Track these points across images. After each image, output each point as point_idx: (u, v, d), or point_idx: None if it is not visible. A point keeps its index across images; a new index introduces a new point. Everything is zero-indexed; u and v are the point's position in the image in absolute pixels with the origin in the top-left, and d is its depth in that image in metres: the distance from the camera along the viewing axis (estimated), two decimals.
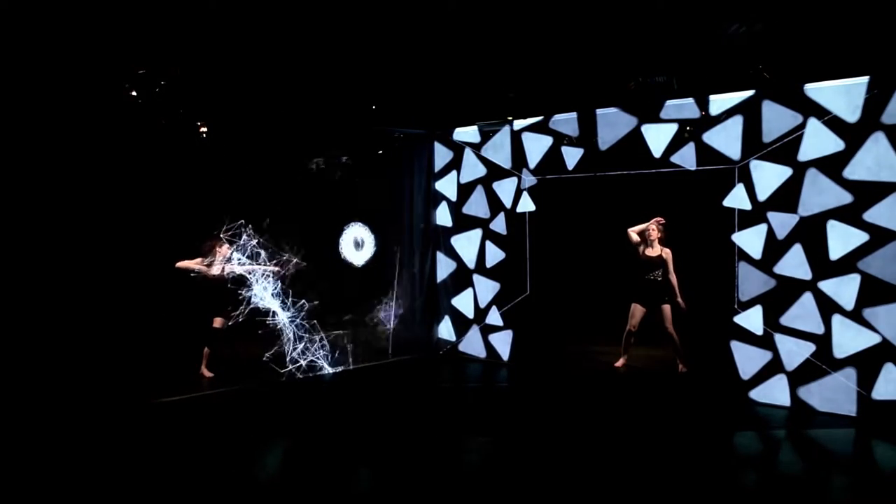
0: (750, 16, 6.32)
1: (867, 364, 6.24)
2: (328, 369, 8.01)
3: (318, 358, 7.91)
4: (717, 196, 7.10)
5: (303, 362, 7.84)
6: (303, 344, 7.77)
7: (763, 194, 6.81)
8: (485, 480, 5.08)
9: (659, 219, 7.77)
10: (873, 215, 6.19)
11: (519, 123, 8.56)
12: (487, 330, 9.03)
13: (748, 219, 6.93)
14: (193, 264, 7.38)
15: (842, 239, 6.33)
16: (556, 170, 8.35)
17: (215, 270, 7.44)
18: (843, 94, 6.32)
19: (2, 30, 6.06)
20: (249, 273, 7.49)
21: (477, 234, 9.00)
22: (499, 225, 8.82)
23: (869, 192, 6.20)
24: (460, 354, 9.23)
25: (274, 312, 7.54)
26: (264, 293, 7.53)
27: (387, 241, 9.18)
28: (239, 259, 7.40)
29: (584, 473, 5.14)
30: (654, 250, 7.76)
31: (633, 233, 7.85)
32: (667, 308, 7.68)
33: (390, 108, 8.60)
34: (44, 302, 6.64)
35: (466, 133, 9.07)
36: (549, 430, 6.16)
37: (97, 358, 7.16)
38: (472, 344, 9.17)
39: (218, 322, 7.59)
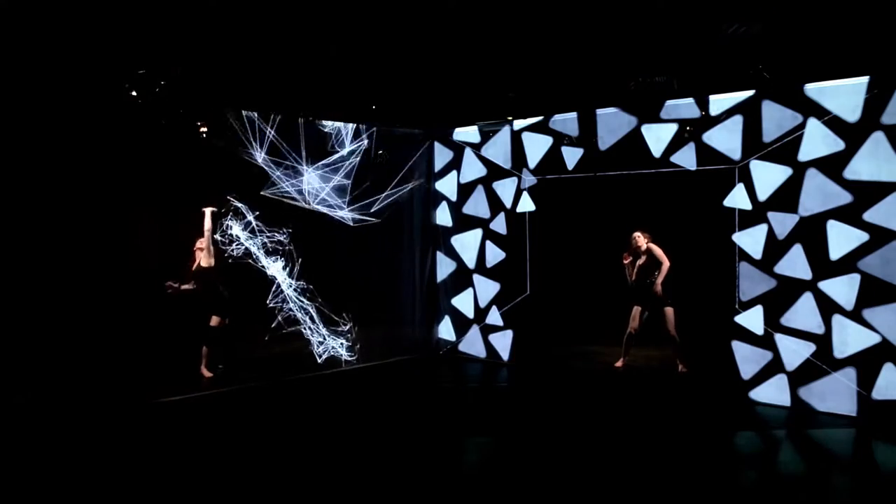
0: (750, 16, 6.31)
1: (867, 364, 6.25)
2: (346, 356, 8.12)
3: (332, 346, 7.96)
4: (717, 196, 7.10)
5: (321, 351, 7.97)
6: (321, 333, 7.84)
7: (763, 194, 6.81)
8: (485, 480, 5.08)
9: (634, 239, 7.84)
10: (873, 215, 6.19)
11: (519, 123, 8.56)
12: (487, 330, 9.03)
13: (748, 219, 6.93)
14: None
15: (842, 239, 6.33)
16: (556, 170, 8.35)
17: (204, 263, 7.49)
18: (843, 94, 6.32)
19: (2, 30, 6.06)
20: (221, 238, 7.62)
21: (477, 234, 9.01)
22: (499, 225, 8.82)
23: (869, 192, 6.20)
24: (460, 354, 9.23)
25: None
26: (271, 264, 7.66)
27: (387, 241, 9.17)
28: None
29: (584, 473, 5.14)
30: (641, 257, 7.78)
31: (631, 271, 7.92)
32: (669, 311, 7.66)
33: (390, 108, 8.59)
34: (44, 302, 6.64)
35: (466, 133, 9.07)
36: (549, 430, 6.16)
37: (98, 358, 7.14)
38: (472, 344, 9.17)
39: (214, 321, 7.59)
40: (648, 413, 6.69)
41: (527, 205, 8.62)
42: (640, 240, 7.80)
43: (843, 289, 6.36)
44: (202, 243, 7.55)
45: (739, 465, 5.48)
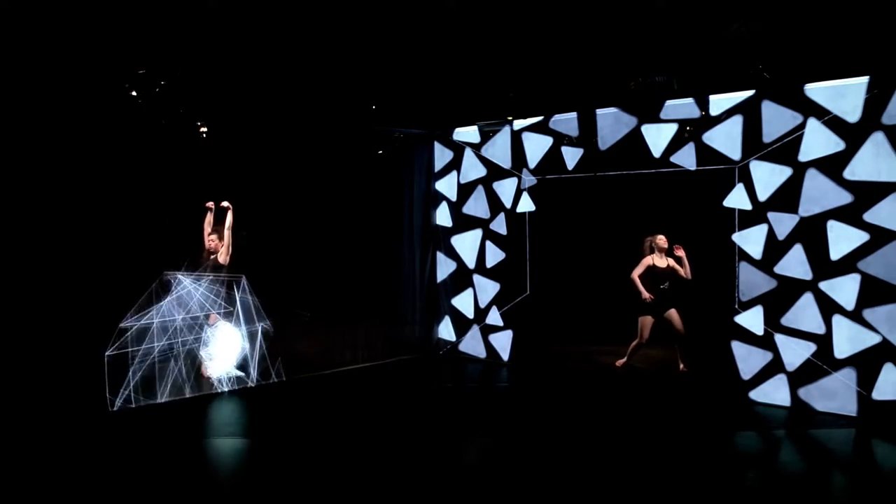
0: (750, 16, 6.32)
1: (867, 364, 6.25)
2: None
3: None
4: (717, 196, 7.10)
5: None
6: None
7: (763, 194, 6.81)
8: (485, 480, 5.08)
9: (657, 241, 7.76)
10: (873, 215, 6.19)
11: (519, 123, 8.57)
12: (487, 330, 9.03)
13: (748, 219, 6.93)
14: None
15: (842, 239, 6.33)
16: (556, 170, 8.35)
17: (221, 259, 7.44)
18: (843, 94, 6.32)
19: (2, 29, 6.06)
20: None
21: (477, 234, 9.01)
22: (499, 225, 8.83)
23: (869, 192, 6.20)
24: (460, 354, 9.23)
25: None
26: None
27: (385, 241, 9.17)
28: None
29: (584, 473, 5.14)
30: (664, 261, 7.72)
31: (637, 276, 7.78)
32: (674, 312, 7.65)
33: (390, 108, 8.59)
34: (45, 301, 6.65)
35: (466, 133, 9.07)
36: (549, 430, 6.16)
37: (99, 357, 7.16)
38: (472, 344, 9.17)
39: (212, 318, 7.56)
40: (648, 413, 6.69)
41: (527, 205, 8.62)
42: (664, 242, 7.69)
43: (843, 289, 6.36)
44: (215, 240, 7.48)
45: (739, 465, 5.48)
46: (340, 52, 7.46)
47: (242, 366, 7.48)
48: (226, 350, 7.44)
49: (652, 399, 7.16)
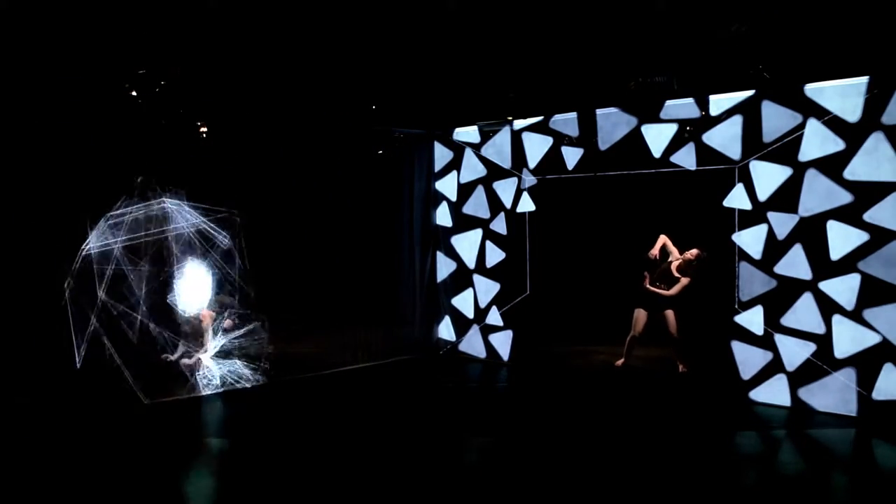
0: (749, 16, 6.33)
1: (867, 364, 6.24)
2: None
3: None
4: (717, 196, 7.10)
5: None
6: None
7: (763, 194, 6.81)
8: (485, 480, 5.08)
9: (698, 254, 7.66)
10: (873, 215, 6.19)
11: (519, 123, 8.57)
12: (487, 330, 9.03)
13: (748, 219, 6.93)
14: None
15: (842, 239, 6.33)
16: (556, 170, 8.35)
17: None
18: (843, 94, 6.32)
19: (2, 29, 6.07)
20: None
21: (477, 234, 9.01)
22: (499, 225, 8.82)
23: (869, 192, 6.20)
24: (460, 354, 9.22)
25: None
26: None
27: (385, 241, 9.17)
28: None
29: (584, 473, 5.14)
30: (676, 268, 7.71)
31: (663, 239, 7.74)
32: (670, 313, 7.66)
33: (390, 108, 8.59)
34: (45, 303, 6.66)
35: (466, 133, 9.07)
36: (549, 430, 6.16)
37: (100, 359, 7.16)
38: (472, 344, 9.17)
39: (227, 324, 7.59)
40: (648, 413, 6.69)
41: (527, 205, 8.62)
42: (692, 256, 7.58)
43: (843, 289, 6.36)
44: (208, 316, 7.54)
45: (739, 465, 5.48)
46: (340, 52, 7.46)
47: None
48: (196, 289, 7.48)
49: (652, 399, 7.16)
